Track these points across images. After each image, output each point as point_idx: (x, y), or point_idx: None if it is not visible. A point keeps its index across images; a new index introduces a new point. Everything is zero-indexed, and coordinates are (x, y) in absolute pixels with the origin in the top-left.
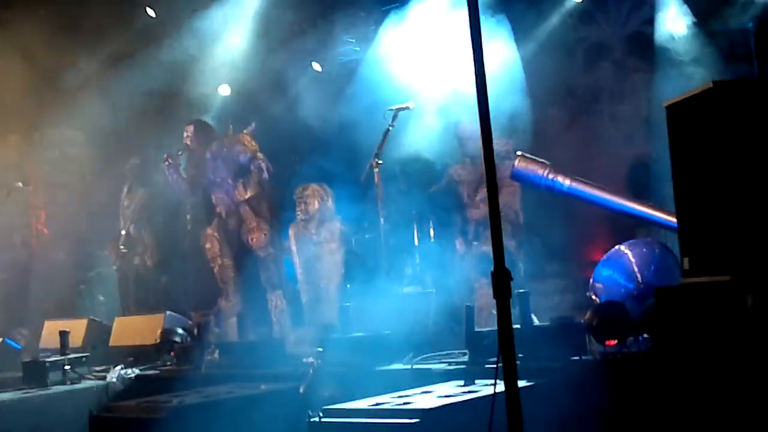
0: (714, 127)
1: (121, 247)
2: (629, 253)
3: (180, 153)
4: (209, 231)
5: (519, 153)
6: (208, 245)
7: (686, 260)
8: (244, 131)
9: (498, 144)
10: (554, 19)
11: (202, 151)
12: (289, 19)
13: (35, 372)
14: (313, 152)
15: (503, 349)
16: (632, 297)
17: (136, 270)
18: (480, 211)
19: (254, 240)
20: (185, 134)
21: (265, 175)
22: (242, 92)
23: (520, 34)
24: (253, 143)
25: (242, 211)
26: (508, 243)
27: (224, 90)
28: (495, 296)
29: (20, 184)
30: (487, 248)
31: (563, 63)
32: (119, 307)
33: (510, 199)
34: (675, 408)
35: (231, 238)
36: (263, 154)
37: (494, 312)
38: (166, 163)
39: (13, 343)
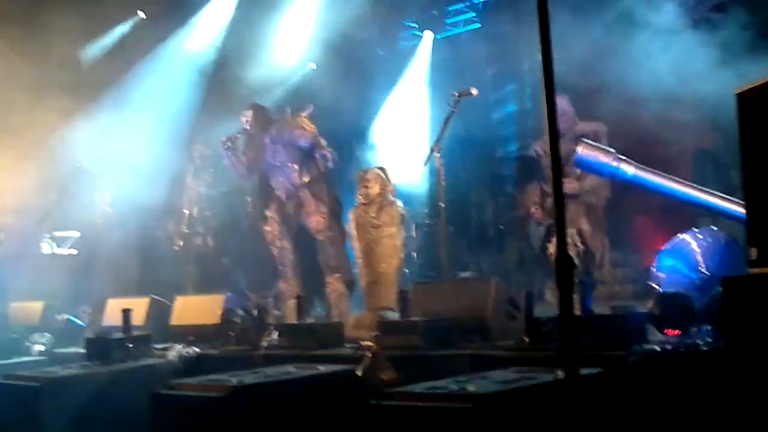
0: None
1: (184, 228)
2: (693, 242)
3: (239, 136)
4: (268, 213)
5: (583, 139)
6: (267, 228)
7: (754, 250)
8: (302, 114)
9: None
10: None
11: (260, 135)
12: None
13: (98, 348)
14: (376, 136)
15: (564, 337)
16: (695, 287)
17: (198, 251)
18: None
19: (313, 223)
20: (244, 118)
21: (330, 164)
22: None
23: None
24: (312, 126)
25: (302, 195)
26: (586, 227)
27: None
28: (557, 284)
29: (85, 163)
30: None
31: (632, 48)
32: (180, 287)
33: (598, 183)
34: (738, 401)
35: (290, 221)
36: (323, 138)
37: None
38: (226, 145)
39: (76, 320)
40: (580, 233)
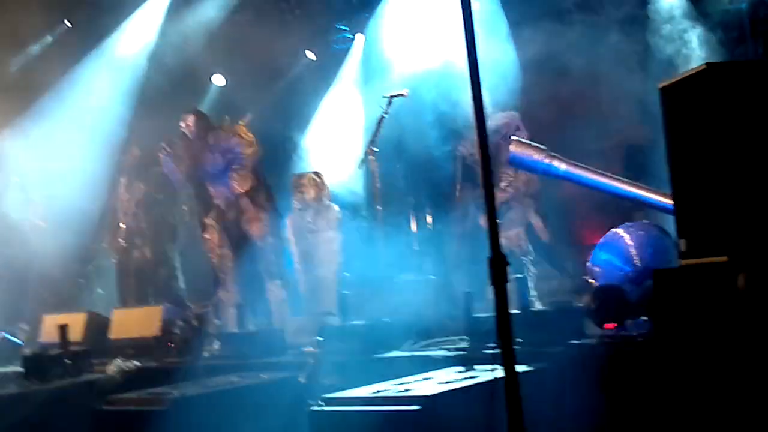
0: (709, 108)
1: (120, 240)
2: (626, 236)
3: (177, 141)
4: (208, 221)
5: (514, 138)
6: (207, 235)
7: (683, 242)
8: (240, 122)
9: (508, 118)
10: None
11: (199, 142)
12: (282, 7)
13: (36, 367)
14: (308, 141)
15: (501, 335)
16: (630, 280)
17: (135, 262)
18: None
19: (254, 230)
20: (183, 123)
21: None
22: (236, 82)
23: (512, 17)
24: (249, 135)
25: (242, 203)
26: (535, 221)
27: (218, 80)
28: (492, 282)
29: (16, 179)
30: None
31: (559, 44)
32: (118, 299)
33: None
34: (674, 390)
35: (230, 229)
36: (259, 146)
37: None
38: (164, 151)
39: (13, 339)
40: (529, 229)
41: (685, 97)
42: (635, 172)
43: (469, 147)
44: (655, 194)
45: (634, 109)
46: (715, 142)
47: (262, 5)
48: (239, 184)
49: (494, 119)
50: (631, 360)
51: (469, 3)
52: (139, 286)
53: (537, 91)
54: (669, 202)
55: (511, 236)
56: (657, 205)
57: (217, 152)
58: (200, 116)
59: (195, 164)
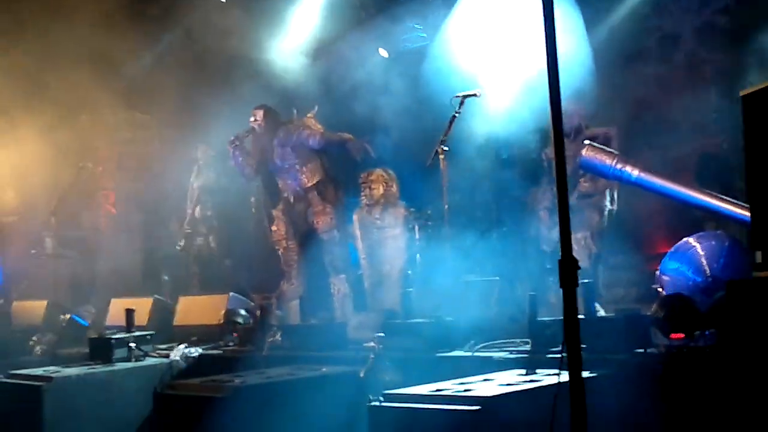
0: None
1: (186, 227)
2: (698, 245)
3: (247, 135)
4: (276, 213)
5: (587, 142)
6: (274, 227)
7: (758, 253)
8: (308, 114)
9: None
10: (625, 8)
11: (268, 136)
12: (356, 3)
13: (101, 348)
14: (379, 137)
15: (568, 339)
16: (700, 290)
17: (200, 250)
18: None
19: (320, 223)
20: (253, 118)
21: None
22: (308, 76)
23: (590, 22)
24: (318, 126)
25: (310, 196)
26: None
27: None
28: (561, 285)
29: (89, 164)
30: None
31: (634, 52)
32: (183, 287)
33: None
34: (741, 403)
35: (297, 221)
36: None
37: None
38: (233, 144)
39: (80, 320)
40: (592, 235)
41: (766, 106)
42: (707, 181)
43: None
44: (730, 204)
45: (709, 118)
46: None
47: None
48: (308, 178)
49: (592, 131)
50: (698, 371)
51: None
52: (203, 273)
53: (611, 94)
54: (744, 212)
55: (578, 238)
56: (731, 216)
57: (287, 146)
58: (269, 111)
59: (264, 158)
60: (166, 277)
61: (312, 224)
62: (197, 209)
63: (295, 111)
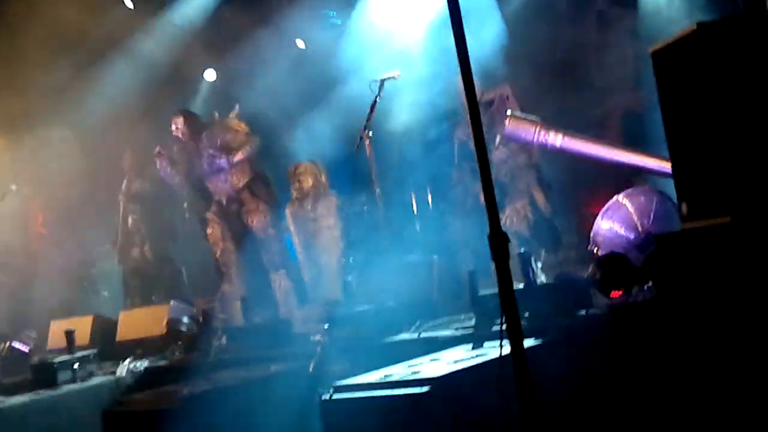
0: (702, 69)
1: (122, 240)
2: (628, 203)
3: (172, 146)
4: (209, 216)
5: (509, 113)
6: (209, 230)
7: (684, 205)
8: (230, 115)
9: (499, 91)
10: None
11: (192, 142)
12: None
13: (44, 373)
14: (301, 129)
15: (506, 311)
16: (634, 247)
17: (136, 262)
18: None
19: (254, 221)
20: (174, 126)
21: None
22: (227, 75)
23: None
24: (242, 125)
25: (242, 196)
26: (537, 193)
27: (210, 75)
28: (493, 258)
29: (13, 186)
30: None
31: (547, 16)
32: (123, 301)
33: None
34: (680, 354)
35: (232, 222)
36: (254, 136)
37: None
38: (159, 156)
39: (19, 347)
40: (533, 202)
41: (677, 60)
42: (633, 139)
43: (466, 129)
44: (654, 159)
45: (628, 75)
46: (711, 103)
47: None
48: (238, 178)
49: (486, 93)
50: (638, 327)
51: None
52: (142, 285)
53: (526, 60)
54: (668, 166)
55: (518, 208)
56: (657, 171)
57: (213, 149)
58: (189, 116)
59: (191, 164)
60: (105, 293)
61: (246, 223)
62: (129, 220)
63: (216, 113)
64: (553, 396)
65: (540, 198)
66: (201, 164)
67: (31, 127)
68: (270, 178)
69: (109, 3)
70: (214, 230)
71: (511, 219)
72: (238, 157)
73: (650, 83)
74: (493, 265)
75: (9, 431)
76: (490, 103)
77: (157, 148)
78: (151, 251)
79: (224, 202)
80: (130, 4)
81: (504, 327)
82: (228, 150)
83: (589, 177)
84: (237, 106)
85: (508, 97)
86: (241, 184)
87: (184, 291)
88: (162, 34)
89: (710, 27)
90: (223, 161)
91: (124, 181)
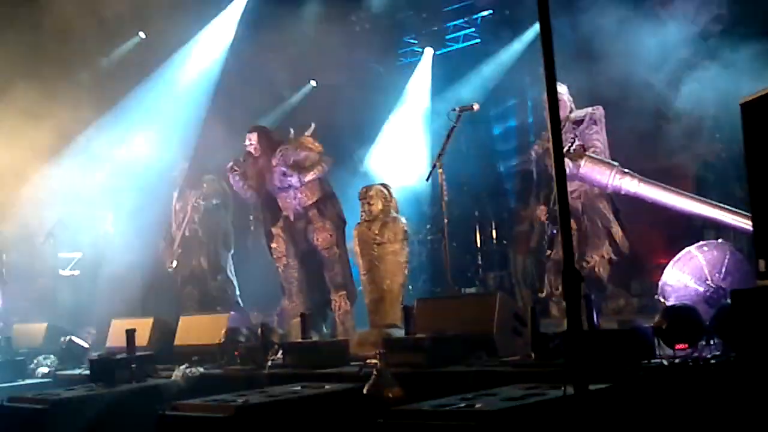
0: None
1: (177, 249)
2: (700, 255)
3: (244, 160)
4: (275, 231)
5: (586, 154)
6: (274, 245)
7: (762, 262)
8: (306, 134)
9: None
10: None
11: (265, 158)
12: (351, 20)
13: (102, 370)
14: (376, 153)
15: (572, 352)
16: (703, 300)
17: (192, 271)
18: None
19: (320, 240)
20: (248, 142)
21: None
22: (305, 94)
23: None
24: (316, 144)
25: (310, 214)
26: (615, 228)
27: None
28: (564, 298)
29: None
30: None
31: (630, 61)
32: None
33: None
34: (750, 414)
35: (297, 238)
36: (328, 156)
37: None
38: (232, 170)
39: (79, 342)
40: (612, 241)
41: (766, 113)
42: (705, 191)
43: (543, 146)
44: (729, 212)
45: (707, 126)
46: None
47: (333, 18)
48: (307, 196)
49: (576, 111)
50: (703, 382)
51: (547, 14)
52: (199, 293)
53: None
54: (744, 221)
55: (603, 253)
56: (729, 225)
57: (285, 166)
58: (263, 132)
59: (263, 179)
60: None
61: (312, 242)
62: (186, 229)
63: (291, 130)
64: None
65: (618, 233)
66: (272, 180)
67: (105, 128)
68: (339, 199)
69: None
70: (278, 245)
71: (597, 265)
72: (310, 176)
73: (731, 137)
74: (553, 305)
75: (62, 423)
76: (579, 122)
77: (231, 163)
78: (206, 261)
79: (292, 218)
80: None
81: (566, 368)
82: (300, 168)
83: (660, 226)
84: (312, 125)
85: (597, 121)
86: (310, 202)
87: (245, 303)
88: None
89: None
90: (293, 179)
91: (178, 190)
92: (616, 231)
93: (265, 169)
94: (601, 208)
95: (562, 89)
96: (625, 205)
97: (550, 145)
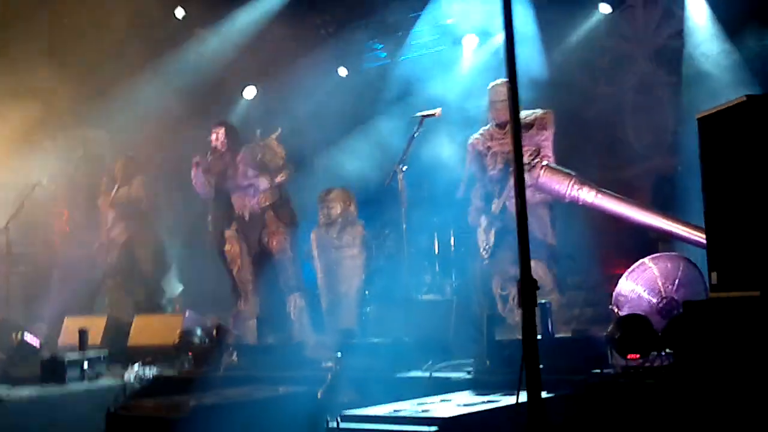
0: (747, 140)
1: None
2: (654, 266)
3: (209, 155)
4: (229, 233)
5: (544, 164)
6: (227, 247)
7: (714, 274)
8: (272, 135)
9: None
10: (583, 30)
11: (229, 154)
12: (316, 22)
13: (54, 369)
14: (336, 156)
15: (527, 360)
16: (656, 311)
17: (114, 268)
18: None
19: (274, 243)
20: (214, 136)
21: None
22: (267, 96)
23: (550, 41)
24: (281, 149)
25: (266, 216)
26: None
27: (249, 92)
28: (520, 305)
29: (43, 181)
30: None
31: (589, 73)
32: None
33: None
34: (698, 424)
35: (251, 241)
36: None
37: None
38: (195, 164)
39: (31, 340)
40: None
41: (723, 129)
42: (662, 203)
43: (482, 139)
44: (684, 226)
45: (664, 139)
46: (753, 175)
47: (297, 21)
48: (266, 198)
49: (523, 114)
50: (654, 392)
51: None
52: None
53: (564, 112)
54: (697, 234)
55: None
56: (684, 238)
57: (248, 165)
58: (230, 128)
59: (224, 176)
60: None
61: (266, 244)
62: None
63: (258, 131)
64: None
65: (553, 243)
66: (234, 177)
67: (65, 126)
68: (293, 203)
69: (158, 11)
70: (233, 246)
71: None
72: (279, 179)
73: (686, 150)
74: (509, 312)
75: (12, 423)
76: (529, 126)
77: (197, 158)
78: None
79: (247, 218)
80: (180, 14)
81: (520, 375)
82: (263, 169)
83: (615, 237)
84: (279, 129)
85: (546, 125)
86: (267, 203)
87: (199, 304)
88: (208, 45)
89: (759, 100)
90: (259, 180)
91: (115, 188)
92: (551, 242)
93: (228, 165)
94: (541, 216)
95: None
96: (580, 214)
97: (512, 153)
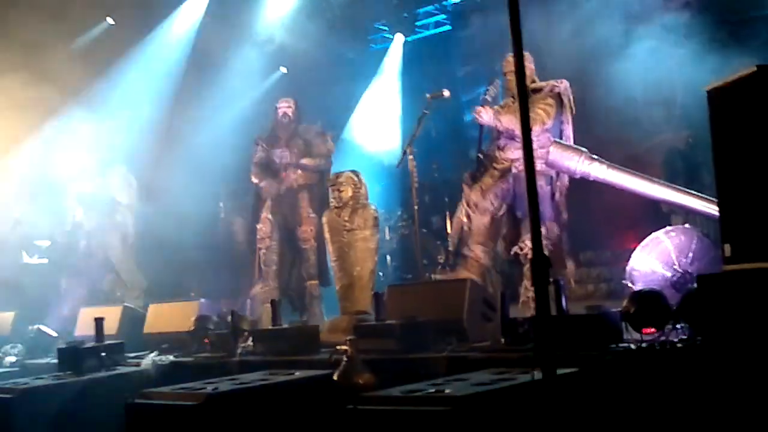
0: (758, 111)
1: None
2: (667, 240)
3: (273, 128)
4: (264, 214)
5: (554, 140)
6: (260, 225)
7: (727, 247)
8: (328, 133)
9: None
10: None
11: (291, 127)
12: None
13: (71, 359)
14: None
15: (541, 337)
16: (670, 285)
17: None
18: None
19: (303, 230)
20: (286, 104)
21: None
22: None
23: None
24: (330, 143)
25: (299, 196)
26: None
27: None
28: (533, 283)
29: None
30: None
31: (597, 47)
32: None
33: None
34: (713, 396)
35: (281, 223)
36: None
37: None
38: (258, 143)
39: (47, 330)
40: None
41: (733, 100)
42: (673, 177)
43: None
44: (696, 198)
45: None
46: (764, 146)
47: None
48: (305, 176)
49: (536, 84)
50: (670, 365)
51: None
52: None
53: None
54: (710, 207)
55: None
56: (697, 211)
57: (296, 149)
58: (296, 103)
59: (281, 145)
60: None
61: (294, 230)
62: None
63: (319, 122)
64: (575, 427)
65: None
66: (282, 151)
67: (75, 117)
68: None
69: None
70: (265, 226)
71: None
72: (321, 163)
73: (697, 123)
74: (522, 290)
75: (30, 412)
76: (536, 91)
77: (258, 137)
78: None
79: (278, 199)
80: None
81: (535, 353)
82: (308, 151)
83: (628, 212)
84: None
85: (560, 94)
86: (303, 182)
87: (215, 290)
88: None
89: None
90: (304, 158)
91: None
92: (549, 216)
93: (288, 137)
94: (540, 193)
95: (527, 58)
96: (594, 190)
97: (521, 141)
